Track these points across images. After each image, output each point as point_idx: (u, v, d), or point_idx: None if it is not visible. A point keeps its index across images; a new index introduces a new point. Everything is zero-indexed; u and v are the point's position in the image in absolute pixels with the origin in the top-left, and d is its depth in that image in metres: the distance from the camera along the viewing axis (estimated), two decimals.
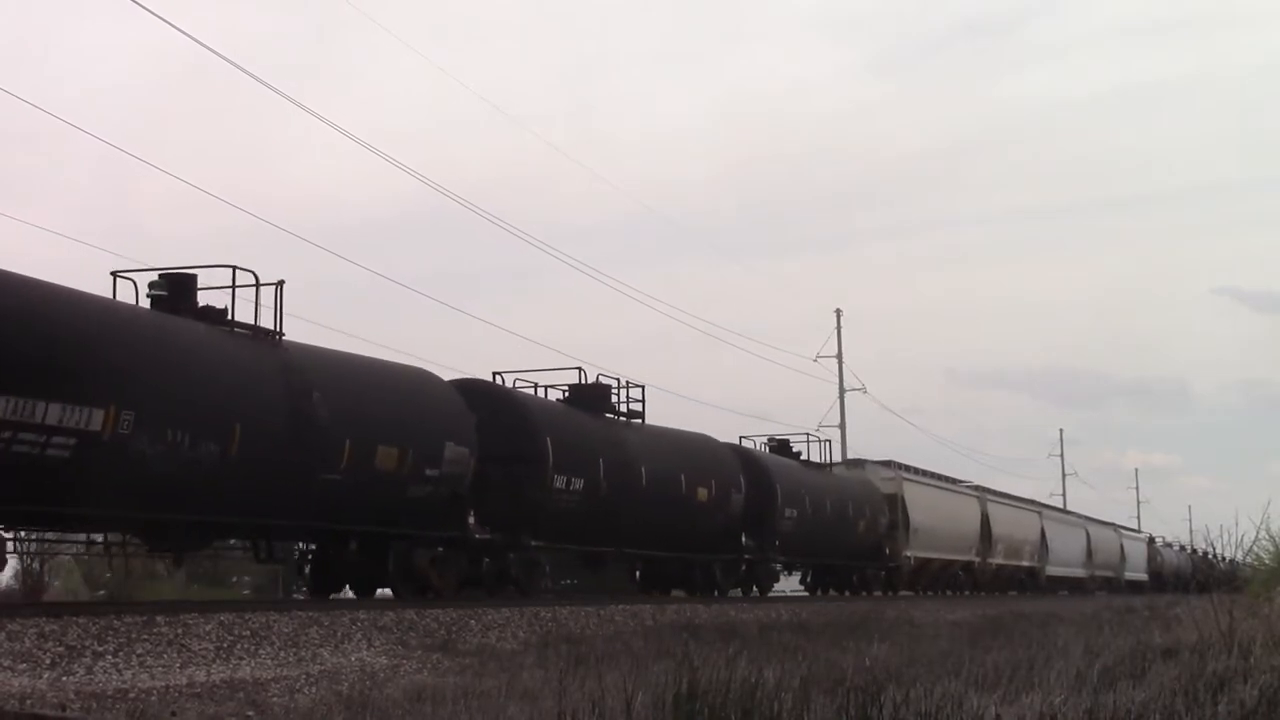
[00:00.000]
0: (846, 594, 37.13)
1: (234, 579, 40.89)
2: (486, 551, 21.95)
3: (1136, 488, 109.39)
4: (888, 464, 41.66)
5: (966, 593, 45.68)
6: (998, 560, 49.06)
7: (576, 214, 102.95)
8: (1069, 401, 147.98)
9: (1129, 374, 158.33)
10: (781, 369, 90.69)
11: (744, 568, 30.66)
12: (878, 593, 38.41)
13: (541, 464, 22.03)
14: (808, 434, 36.88)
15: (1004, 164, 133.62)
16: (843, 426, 56.93)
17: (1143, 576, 74.97)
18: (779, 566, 33.62)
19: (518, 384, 24.12)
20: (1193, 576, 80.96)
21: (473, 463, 20.53)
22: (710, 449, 28.77)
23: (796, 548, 32.85)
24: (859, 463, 42.40)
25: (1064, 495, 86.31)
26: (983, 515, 48.08)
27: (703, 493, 26.95)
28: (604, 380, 26.03)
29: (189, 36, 23.44)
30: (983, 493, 50.09)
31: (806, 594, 36.66)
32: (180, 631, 12.81)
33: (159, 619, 13.13)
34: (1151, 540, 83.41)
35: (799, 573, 37.53)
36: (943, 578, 44.99)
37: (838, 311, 59.89)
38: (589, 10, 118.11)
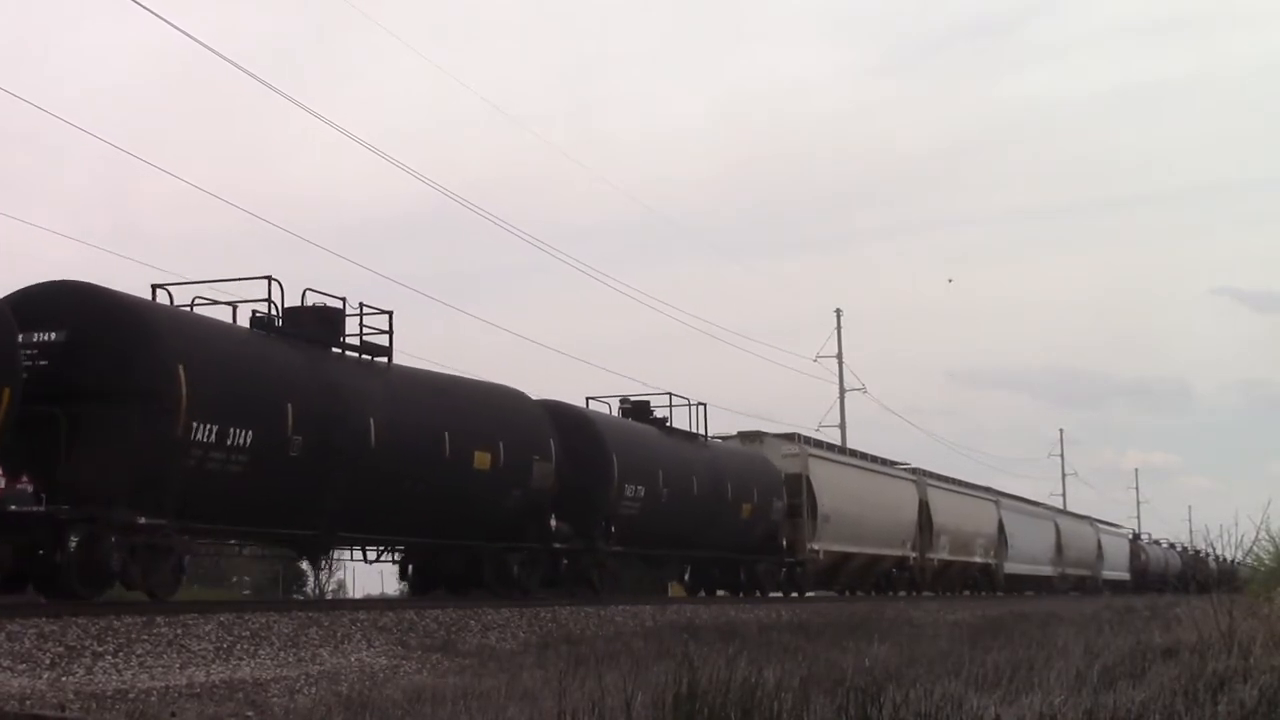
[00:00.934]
0: (727, 594, 30.30)
1: (234, 579, 40.92)
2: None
3: (1136, 488, 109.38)
4: (791, 437, 35.10)
5: (904, 594, 39.99)
6: (941, 556, 42.86)
7: (576, 214, 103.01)
8: (1069, 401, 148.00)
9: (1129, 374, 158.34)
10: (781, 369, 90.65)
11: (563, 560, 23.54)
12: (775, 594, 31.74)
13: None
14: (670, 394, 28.73)
15: (1004, 164, 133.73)
16: (843, 426, 56.97)
17: (1124, 576, 69.84)
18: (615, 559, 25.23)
19: None
20: (1185, 576, 79.01)
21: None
22: (506, 402, 22.72)
23: (644, 536, 25.49)
24: (756, 435, 34.35)
25: (1064, 495, 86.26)
26: (921, 503, 41.80)
27: (482, 458, 21.09)
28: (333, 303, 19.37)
29: (189, 36, 23.44)
30: (922, 476, 43.57)
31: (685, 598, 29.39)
32: (180, 632, 12.81)
33: (159, 619, 13.13)
34: (1136, 537, 79.79)
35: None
36: (868, 576, 39.18)
37: (838, 311, 59.91)
38: (589, 10, 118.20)
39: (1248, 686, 7.83)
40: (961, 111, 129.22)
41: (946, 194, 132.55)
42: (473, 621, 16.96)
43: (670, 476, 26.18)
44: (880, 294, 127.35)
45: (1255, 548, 18.20)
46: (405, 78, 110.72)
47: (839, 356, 58.96)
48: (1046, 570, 55.92)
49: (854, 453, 40.48)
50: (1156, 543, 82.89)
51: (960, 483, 48.19)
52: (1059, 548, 57.79)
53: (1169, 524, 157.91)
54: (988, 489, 51.03)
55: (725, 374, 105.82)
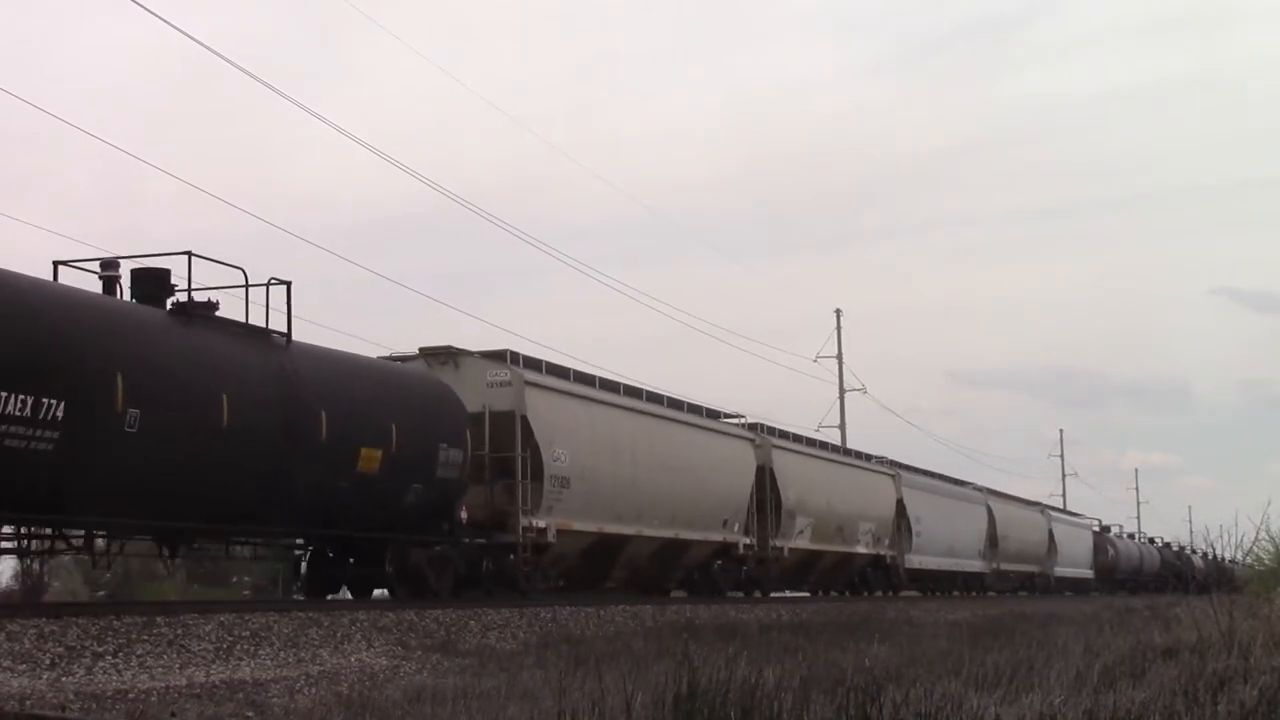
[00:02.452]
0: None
1: (234, 579, 40.89)
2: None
3: (1136, 488, 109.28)
4: (502, 356, 22.67)
5: (736, 597, 29.80)
6: (795, 544, 32.27)
7: (576, 214, 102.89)
8: (1069, 401, 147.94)
9: (1129, 374, 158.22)
10: (781, 369, 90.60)
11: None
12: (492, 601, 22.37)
13: None
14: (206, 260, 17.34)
15: (1004, 164, 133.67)
16: (842, 426, 56.92)
17: (1086, 573, 62.42)
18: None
19: None
20: (1166, 575, 70.93)
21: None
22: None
23: (89, 491, 14.53)
24: (447, 354, 22.56)
25: (1064, 495, 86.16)
26: (762, 471, 30.88)
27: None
28: None
29: (189, 37, 23.43)
30: (765, 435, 32.06)
31: None
32: (180, 632, 12.82)
33: (159, 619, 13.13)
34: (1105, 529, 72.97)
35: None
36: (660, 570, 27.90)
37: (837, 311, 59.84)
38: (590, 10, 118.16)
39: (1248, 687, 7.83)
40: (962, 112, 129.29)
41: (946, 194, 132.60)
42: (473, 622, 16.98)
43: (156, 391, 14.99)
44: (880, 294, 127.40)
45: (1255, 548, 18.23)
46: (406, 77, 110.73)
47: (839, 356, 58.98)
48: (973, 565, 46.56)
49: (628, 390, 26.68)
50: (1130, 537, 78.18)
51: (835, 449, 39.24)
52: (992, 538, 48.66)
53: (1169, 524, 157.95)
54: (882, 459, 40.70)
55: (725, 374, 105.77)
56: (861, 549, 36.80)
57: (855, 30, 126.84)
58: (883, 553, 38.27)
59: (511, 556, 21.62)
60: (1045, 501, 61.37)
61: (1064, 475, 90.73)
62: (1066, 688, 7.97)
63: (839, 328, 59.53)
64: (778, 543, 31.60)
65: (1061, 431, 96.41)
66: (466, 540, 20.57)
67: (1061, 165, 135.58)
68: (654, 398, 27.63)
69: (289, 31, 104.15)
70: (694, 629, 17.81)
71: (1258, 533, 16.73)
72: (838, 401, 57.92)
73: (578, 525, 23.36)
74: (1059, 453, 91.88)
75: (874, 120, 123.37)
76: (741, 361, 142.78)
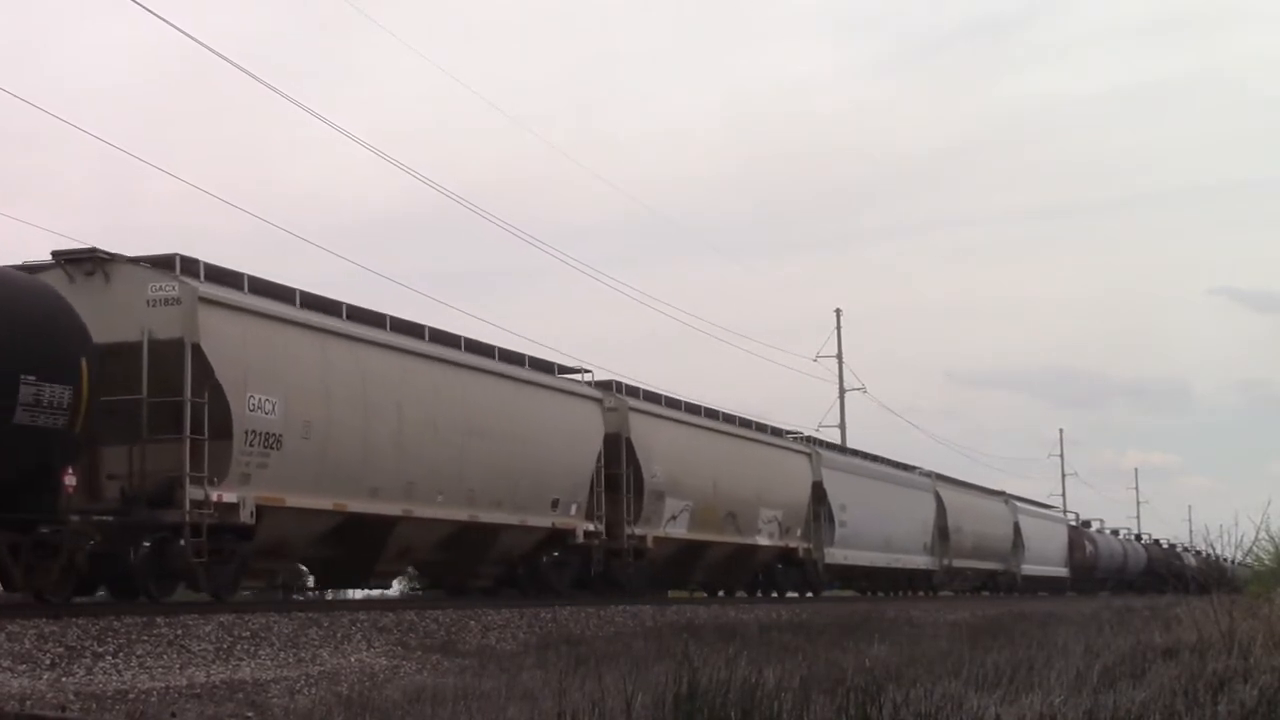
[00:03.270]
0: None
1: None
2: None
3: (1136, 488, 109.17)
4: (169, 262, 16.46)
5: (569, 601, 22.00)
6: (668, 533, 25.98)
7: (577, 214, 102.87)
8: (1069, 401, 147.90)
9: (1129, 374, 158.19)
10: (781, 369, 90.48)
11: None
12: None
13: None
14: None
15: (1004, 164, 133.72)
16: (842, 426, 56.87)
17: (1059, 571, 57.20)
18: None
19: None
20: (1154, 575, 67.32)
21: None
22: None
23: None
24: (92, 260, 16.39)
25: (1064, 496, 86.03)
26: (617, 441, 24.93)
27: None
28: None
29: (189, 37, 23.41)
30: (621, 398, 25.65)
31: None
32: (180, 632, 12.82)
33: (159, 620, 13.14)
34: (1085, 523, 67.69)
35: None
36: (466, 565, 22.10)
37: (837, 311, 59.75)
38: (590, 10, 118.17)
39: (1248, 687, 7.83)
40: (961, 112, 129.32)
41: (946, 194, 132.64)
42: (473, 622, 16.98)
43: None
44: (880, 294, 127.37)
45: (1255, 548, 18.21)
46: (406, 77, 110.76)
47: (839, 356, 58.92)
48: (915, 561, 40.69)
49: (400, 325, 20.07)
50: (1115, 533, 73.15)
51: (729, 419, 30.15)
52: (942, 530, 43.03)
53: (1169, 524, 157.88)
54: (797, 435, 35.23)
55: (725, 374, 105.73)
56: (763, 540, 29.93)
57: (855, 30, 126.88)
58: (794, 545, 31.52)
59: (182, 543, 15.44)
60: (1010, 491, 54.39)
61: (1064, 475, 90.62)
62: (1066, 688, 7.97)
63: (839, 328, 59.48)
64: (639, 530, 25.09)
65: (1061, 431, 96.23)
66: (78, 518, 14.29)
67: (1061, 165, 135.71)
68: (443, 338, 20.97)
69: (289, 31, 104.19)
70: (694, 629, 17.81)
71: (1258, 533, 16.71)
72: (838, 401, 57.87)
73: (303, 501, 17.20)
74: (1059, 453, 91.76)
75: (874, 120, 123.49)
76: (741, 361, 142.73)
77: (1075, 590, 57.43)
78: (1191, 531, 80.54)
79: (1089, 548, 61.57)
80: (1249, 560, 20.10)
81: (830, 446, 38.38)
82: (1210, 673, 8.53)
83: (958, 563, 44.35)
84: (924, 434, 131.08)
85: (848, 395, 58.18)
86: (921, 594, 41.54)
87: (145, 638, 12.28)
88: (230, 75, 68.58)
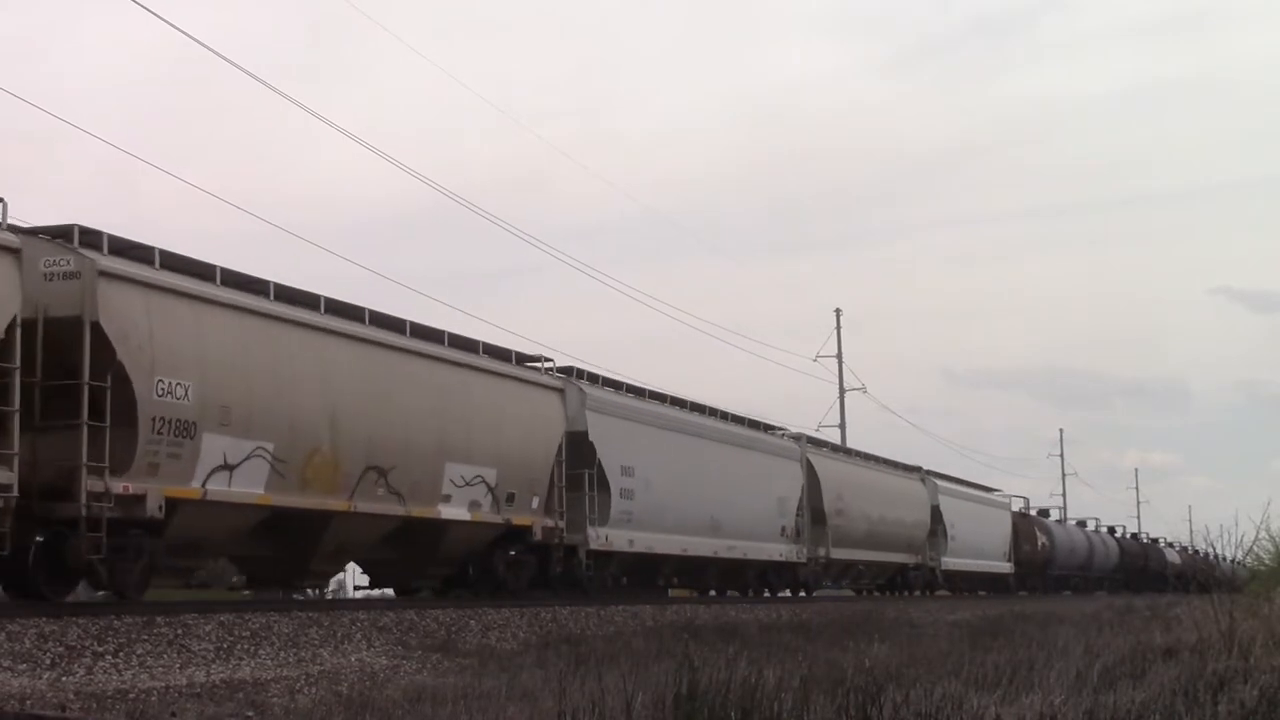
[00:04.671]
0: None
1: (235, 579, 40.79)
2: None
3: (1136, 488, 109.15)
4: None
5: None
6: (368, 505, 18.66)
7: (577, 214, 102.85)
8: (1069, 401, 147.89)
9: (1129, 374, 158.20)
10: (781, 369, 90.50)
11: None
12: None
13: None
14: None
15: (1004, 164, 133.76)
16: (842, 426, 56.86)
17: (998, 566, 48.09)
18: None
19: None
20: (1127, 572, 63.20)
21: None
22: None
23: None
24: None
25: (1064, 495, 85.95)
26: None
27: None
28: None
29: (189, 37, 23.38)
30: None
31: None
32: (180, 632, 12.82)
33: (159, 619, 13.13)
34: (1043, 512, 59.66)
35: None
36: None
37: (837, 311, 59.73)
38: (591, 10, 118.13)
39: (1248, 687, 7.84)
40: (961, 112, 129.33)
41: (947, 194, 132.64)
42: (473, 621, 16.98)
43: None
44: (880, 294, 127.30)
45: (1255, 548, 18.21)
46: (407, 77, 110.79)
47: (839, 356, 58.90)
48: (767, 550, 30.55)
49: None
50: (1080, 524, 64.89)
51: (522, 361, 23.02)
52: (817, 513, 33.32)
53: (1170, 524, 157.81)
54: (548, 369, 23.94)
55: (725, 374, 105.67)
56: (451, 513, 20.28)
57: (855, 31, 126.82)
58: (528, 522, 21.98)
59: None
60: (928, 467, 43.95)
61: (1064, 475, 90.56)
62: (1066, 688, 7.97)
63: (839, 328, 59.46)
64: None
65: (1061, 431, 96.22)
66: None
67: (1062, 165, 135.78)
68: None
69: (289, 31, 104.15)
70: (694, 629, 17.81)
71: (1258, 533, 16.71)
72: (838, 401, 57.81)
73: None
74: (1059, 453, 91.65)
75: (874, 120, 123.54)
76: (741, 361, 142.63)
77: (1025, 590, 50.19)
78: (1192, 531, 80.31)
79: (1041, 539, 52.98)
80: (1249, 560, 20.10)
81: (597, 379, 25.28)
82: (1210, 673, 8.54)
83: (840, 553, 34.57)
84: (923, 434, 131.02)
85: (848, 395, 58.15)
86: (780, 595, 31.75)
87: (145, 637, 12.28)
88: (230, 75, 68.61)
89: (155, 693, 9.84)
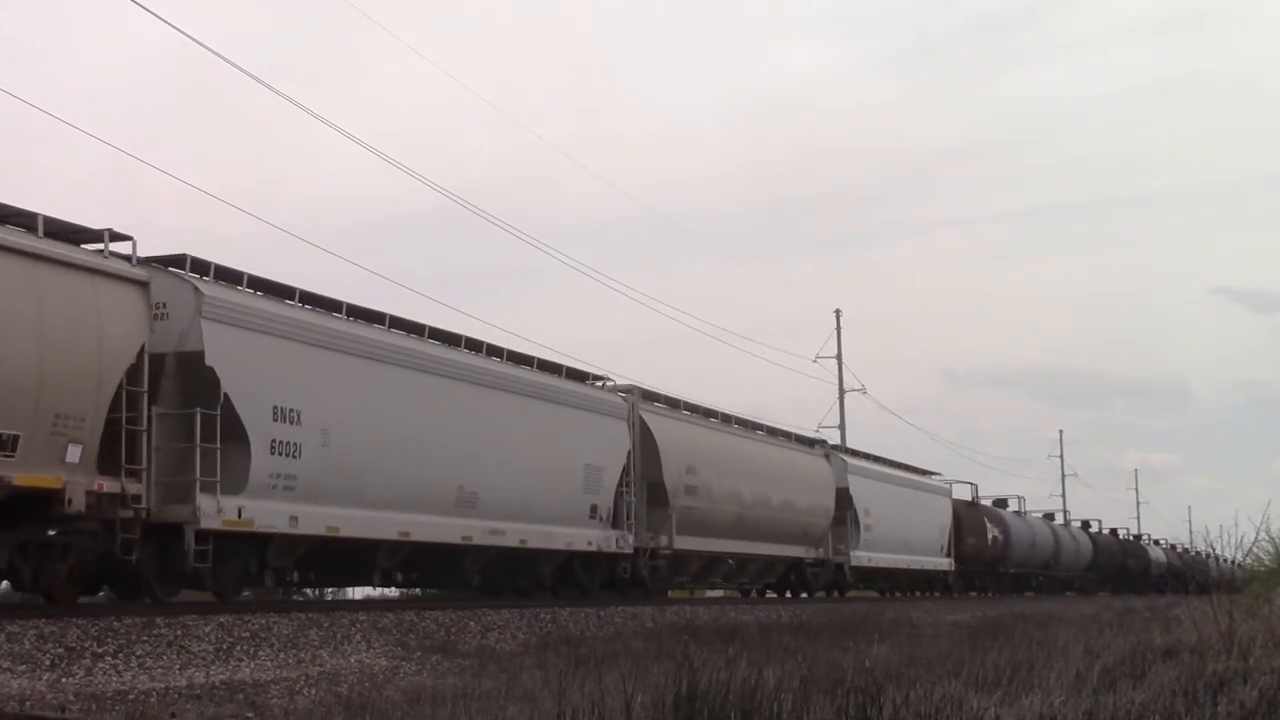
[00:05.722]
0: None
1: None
2: None
3: (1136, 488, 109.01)
4: None
5: None
6: None
7: (577, 214, 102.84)
8: (1068, 401, 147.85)
9: (1128, 374, 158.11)
10: (781, 369, 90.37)
11: None
12: None
13: None
14: None
15: (1004, 164, 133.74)
16: (842, 426, 56.83)
17: (936, 563, 41.01)
18: None
19: None
20: (1101, 570, 59.17)
21: None
22: None
23: None
24: None
25: (1064, 496, 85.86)
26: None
27: None
28: None
29: (189, 37, 23.36)
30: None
31: None
32: (180, 633, 12.82)
33: (158, 620, 13.13)
34: (999, 502, 51.97)
35: None
36: None
37: (837, 312, 59.64)
38: (592, 10, 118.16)
39: (1247, 687, 7.84)
40: (961, 112, 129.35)
41: (947, 194, 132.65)
42: (472, 622, 16.98)
43: None
44: (880, 294, 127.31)
45: (1255, 548, 18.22)
46: (406, 77, 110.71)
47: (839, 356, 58.86)
48: (562, 538, 22.73)
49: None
50: (1048, 517, 59.48)
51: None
52: (657, 491, 25.81)
53: (1170, 524, 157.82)
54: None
55: (725, 374, 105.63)
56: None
57: (855, 31, 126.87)
58: (109, 486, 15.82)
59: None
60: (834, 441, 37.93)
61: (1064, 475, 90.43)
62: (1066, 688, 7.98)
63: (839, 328, 59.39)
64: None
65: (1061, 432, 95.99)
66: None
67: (1061, 165, 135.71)
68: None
69: (289, 31, 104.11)
70: (693, 630, 17.81)
71: (1257, 533, 16.71)
72: (837, 401, 57.74)
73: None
74: (1059, 453, 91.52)
75: (874, 120, 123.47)
76: (742, 361, 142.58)
77: (973, 591, 44.15)
78: (1191, 532, 79.99)
79: (993, 533, 45.68)
80: (1249, 561, 20.12)
81: (264, 288, 17.73)
82: (1210, 673, 8.55)
83: (690, 543, 26.58)
84: (924, 434, 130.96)
85: (848, 395, 58.09)
86: (590, 596, 23.72)
87: (145, 638, 12.28)
88: (230, 75, 68.62)
89: (155, 694, 9.84)
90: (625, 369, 54.83)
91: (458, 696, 9.20)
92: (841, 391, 58.04)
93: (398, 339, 19.65)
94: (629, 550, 24.88)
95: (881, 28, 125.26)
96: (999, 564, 46.73)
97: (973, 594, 43.19)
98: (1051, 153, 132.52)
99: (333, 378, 17.82)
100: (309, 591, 26.16)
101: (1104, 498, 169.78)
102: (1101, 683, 8.48)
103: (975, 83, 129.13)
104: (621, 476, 24.85)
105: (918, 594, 39.86)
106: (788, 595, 32.92)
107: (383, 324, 19.40)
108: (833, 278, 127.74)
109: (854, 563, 34.90)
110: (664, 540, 25.97)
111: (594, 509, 23.94)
